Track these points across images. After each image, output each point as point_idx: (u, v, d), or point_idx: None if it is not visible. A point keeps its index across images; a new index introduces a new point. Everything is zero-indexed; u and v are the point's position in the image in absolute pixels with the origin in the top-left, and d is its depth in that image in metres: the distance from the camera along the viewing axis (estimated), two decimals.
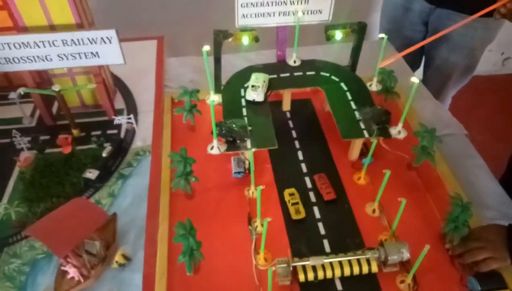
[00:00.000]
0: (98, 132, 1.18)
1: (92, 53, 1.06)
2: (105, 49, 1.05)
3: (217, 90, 1.17)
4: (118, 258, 0.86)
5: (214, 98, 0.90)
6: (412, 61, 1.52)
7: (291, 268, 0.83)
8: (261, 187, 0.84)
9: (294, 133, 1.19)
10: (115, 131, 1.19)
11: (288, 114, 1.25)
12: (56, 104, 1.27)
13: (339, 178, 1.07)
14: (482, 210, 1.00)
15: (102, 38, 1.03)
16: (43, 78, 1.13)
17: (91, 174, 1.00)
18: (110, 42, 1.04)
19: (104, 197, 1.02)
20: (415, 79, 0.90)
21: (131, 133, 1.17)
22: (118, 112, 1.24)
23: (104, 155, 1.05)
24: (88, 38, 1.03)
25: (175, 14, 2.01)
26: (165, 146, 1.12)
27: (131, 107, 1.27)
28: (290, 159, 1.11)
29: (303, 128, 1.21)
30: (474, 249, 0.87)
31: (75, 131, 1.16)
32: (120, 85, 1.35)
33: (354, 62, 1.20)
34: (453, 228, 0.87)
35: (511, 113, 2.54)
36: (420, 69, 1.77)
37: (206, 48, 0.99)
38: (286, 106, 1.25)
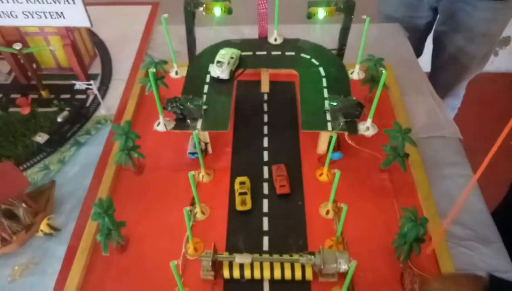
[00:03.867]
0: (67, 96, 1.15)
1: (57, 13, 1.02)
2: (70, 10, 1.01)
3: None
4: (43, 227, 0.84)
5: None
6: (415, 50, 1.35)
7: (211, 263, 0.76)
8: (192, 172, 0.78)
9: (265, 118, 1.10)
10: (84, 96, 1.15)
11: (266, 97, 1.15)
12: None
13: (300, 171, 0.98)
14: (454, 227, 0.88)
15: None
16: (15, 36, 1.11)
17: (40, 137, 0.98)
18: (74, 3, 0.99)
19: (54, 163, 1.00)
20: (383, 70, 0.79)
21: (97, 100, 1.13)
22: (92, 77, 1.20)
23: (59, 119, 1.02)
24: None
25: None
26: (127, 117, 1.07)
27: (106, 74, 1.23)
28: (253, 145, 1.03)
29: (277, 113, 1.11)
30: None
31: (43, 93, 1.14)
32: (102, 50, 1.31)
33: (342, 46, 1.08)
34: (403, 243, 0.76)
35: None
36: (426, 59, 1.58)
37: (165, 16, 0.92)
38: (265, 87, 1.16)
